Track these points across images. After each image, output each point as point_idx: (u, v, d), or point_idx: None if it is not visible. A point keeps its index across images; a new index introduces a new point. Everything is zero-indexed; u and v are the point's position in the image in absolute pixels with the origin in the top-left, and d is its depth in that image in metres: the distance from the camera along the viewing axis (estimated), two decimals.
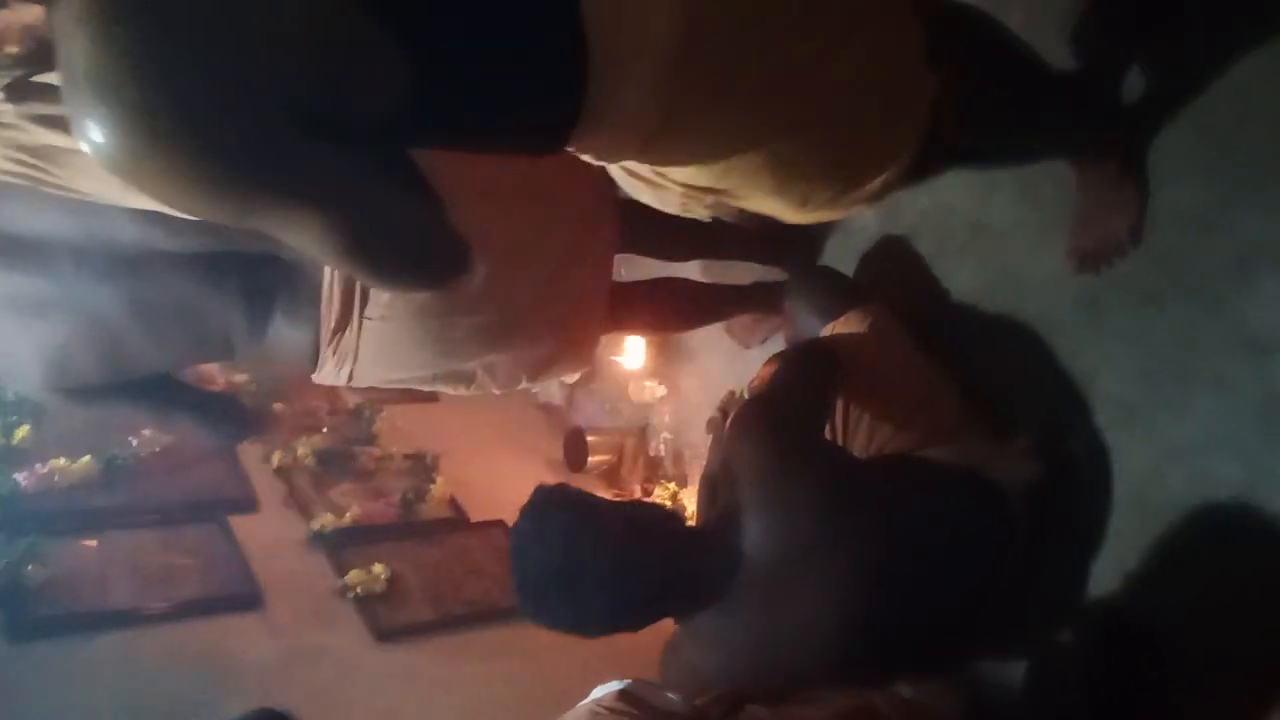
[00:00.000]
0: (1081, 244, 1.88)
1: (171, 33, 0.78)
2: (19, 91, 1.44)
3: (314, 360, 1.93)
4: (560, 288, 2.03)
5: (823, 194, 1.32)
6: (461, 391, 2.09)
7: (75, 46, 0.77)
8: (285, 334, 1.87)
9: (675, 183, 1.31)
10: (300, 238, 0.89)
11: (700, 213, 1.40)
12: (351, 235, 0.89)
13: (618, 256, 2.20)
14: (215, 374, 3.13)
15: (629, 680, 1.58)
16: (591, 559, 1.45)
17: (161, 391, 1.94)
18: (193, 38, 0.79)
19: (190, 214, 0.87)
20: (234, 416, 2.11)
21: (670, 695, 1.53)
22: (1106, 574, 1.85)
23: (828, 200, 1.33)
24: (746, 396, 2.00)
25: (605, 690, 1.57)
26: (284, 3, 0.84)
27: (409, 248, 0.98)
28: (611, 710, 1.49)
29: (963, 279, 2.15)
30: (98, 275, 1.71)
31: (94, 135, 0.78)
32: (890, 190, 1.34)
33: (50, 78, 1.41)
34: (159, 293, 1.74)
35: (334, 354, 1.91)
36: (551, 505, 1.52)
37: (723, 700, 1.59)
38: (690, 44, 1.05)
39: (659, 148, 1.19)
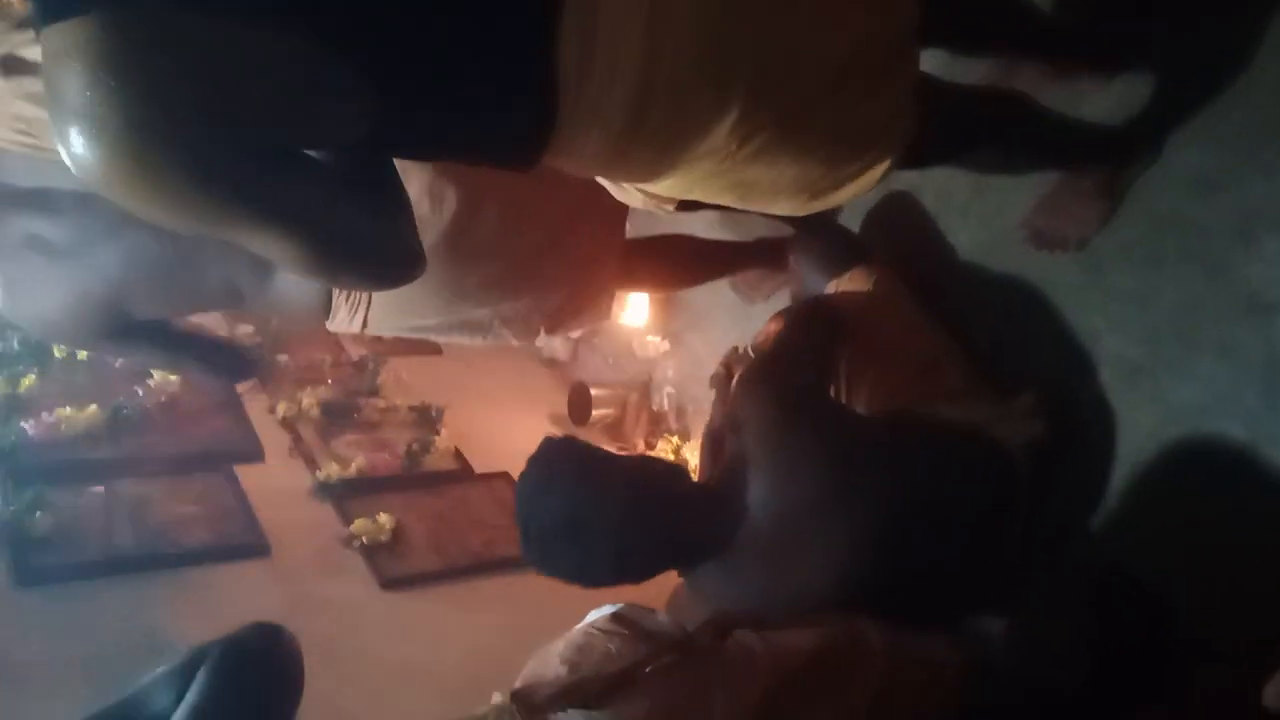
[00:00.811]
0: (1036, 224, 1.94)
1: (155, 74, 0.83)
2: (12, 67, 1.45)
3: (326, 308, 1.94)
4: (572, 235, 2.04)
5: (786, 205, 1.35)
6: (479, 342, 2.10)
7: (64, 80, 0.82)
8: (293, 284, 1.88)
9: (638, 190, 1.34)
10: (265, 251, 0.97)
11: (665, 209, 1.43)
12: (313, 252, 0.98)
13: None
14: (219, 324, 3.13)
15: (621, 604, 1.61)
16: (597, 511, 1.47)
17: (169, 337, 1.96)
18: (174, 80, 0.84)
19: (164, 225, 0.93)
20: (237, 360, 2.13)
21: (660, 618, 1.55)
22: (1109, 532, 1.86)
23: (797, 206, 1.35)
24: (751, 353, 2.00)
25: (599, 614, 1.60)
26: (258, 45, 0.88)
27: (365, 259, 1.08)
28: (604, 630, 1.51)
29: (965, 238, 2.15)
30: (102, 225, 1.73)
31: (78, 160, 0.85)
32: (883, 178, 1.36)
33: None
34: (162, 243, 1.75)
35: (346, 301, 1.92)
36: (558, 457, 1.53)
37: (712, 625, 1.61)
38: (652, 95, 1.09)
39: (620, 173, 1.27)
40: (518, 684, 1.49)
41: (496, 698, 1.46)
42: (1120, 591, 1.81)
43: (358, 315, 1.94)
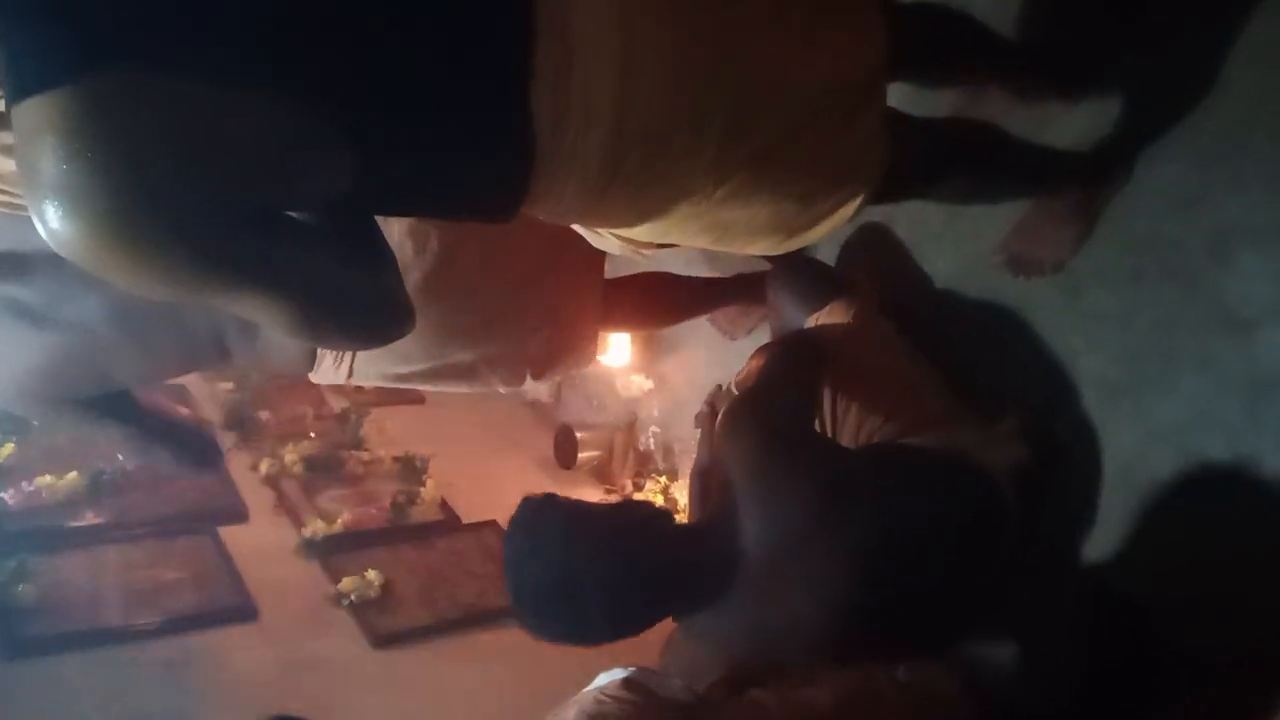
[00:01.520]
0: (1011, 249, 1.95)
1: (135, 149, 0.82)
2: None
3: (311, 359, 1.93)
4: (553, 274, 2.05)
5: (762, 245, 1.35)
6: (464, 389, 2.10)
7: (40, 155, 0.80)
8: (279, 336, 1.86)
9: (614, 236, 1.35)
10: (249, 315, 0.96)
11: (642, 255, 1.43)
12: (300, 315, 0.97)
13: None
14: (198, 382, 3.11)
15: (633, 668, 1.58)
16: (586, 571, 1.44)
17: (140, 421, 1.94)
18: (152, 154, 0.83)
19: (145, 295, 0.92)
20: (203, 449, 2.12)
21: (674, 682, 1.53)
22: (1097, 553, 1.86)
23: (774, 245, 1.36)
24: (734, 391, 2.00)
25: (609, 678, 1.58)
26: (234, 110, 0.87)
27: (353, 318, 1.06)
28: (615, 698, 1.49)
29: (941, 266, 2.16)
30: (81, 284, 1.70)
31: (57, 236, 0.83)
32: (857, 214, 1.37)
33: None
34: (146, 300, 1.73)
35: (331, 352, 1.91)
36: (541, 518, 1.51)
37: (724, 685, 1.59)
38: (627, 146, 1.10)
39: (597, 220, 1.27)
40: None
41: None
42: (1108, 612, 1.81)
43: (343, 365, 1.93)
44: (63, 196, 0.80)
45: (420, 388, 2.08)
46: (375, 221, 1.16)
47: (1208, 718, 1.44)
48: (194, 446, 2.08)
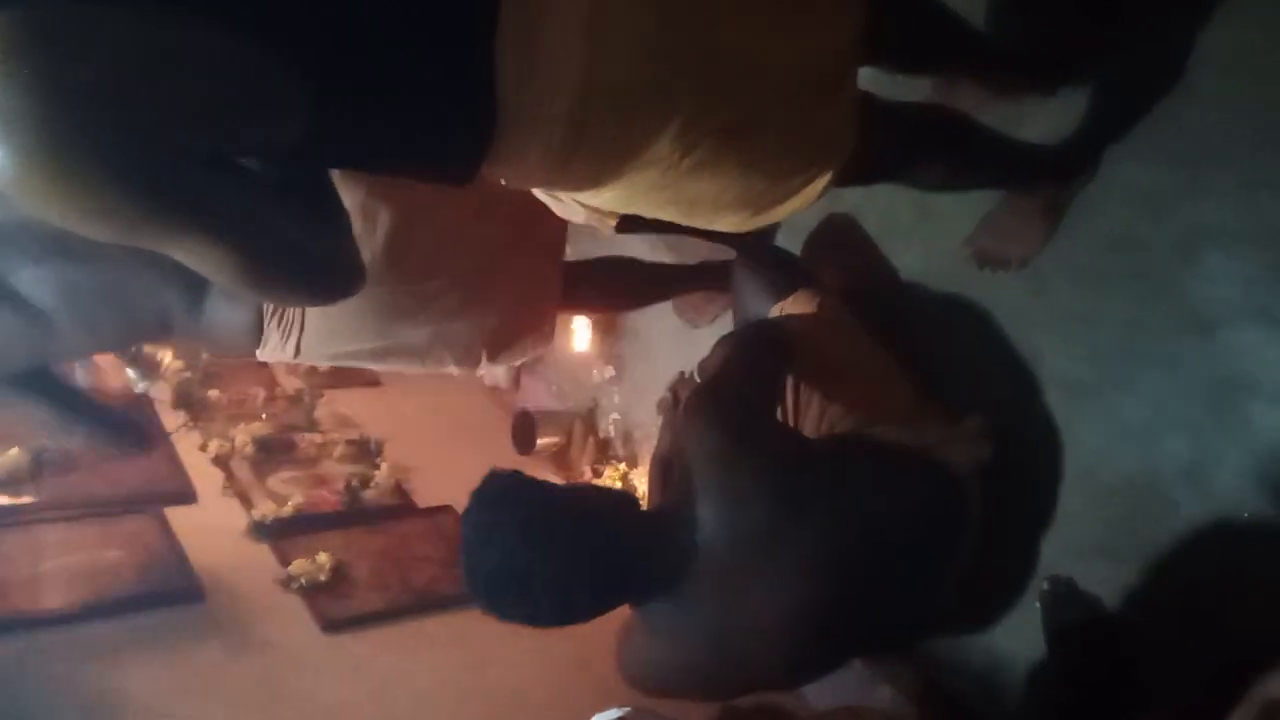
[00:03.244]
0: (979, 243, 1.95)
1: (72, 76, 0.79)
2: None
3: (256, 337, 1.88)
4: (511, 253, 2.02)
5: (729, 220, 1.34)
6: (417, 368, 2.06)
7: None
8: (225, 310, 1.82)
9: (579, 204, 1.32)
10: (192, 262, 0.93)
11: (606, 225, 1.41)
12: (243, 264, 0.94)
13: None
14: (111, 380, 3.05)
15: (627, 709, 1.57)
16: (543, 555, 1.42)
17: (68, 397, 1.89)
18: (93, 83, 0.80)
19: (84, 234, 0.87)
20: (126, 431, 2.07)
21: None
22: (1058, 553, 1.86)
23: (741, 222, 1.34)
24: (697, 378, 1.98)
25: (605, 718, 1.56)
26: (184, 44, 0.85)
27: (299, 274, 1.04)
28: None
29: (909, 260, 2.15)
30: (24, 258, 1.66)
31: None
32: (824, 193, 1.35)
33: None
34: (88, 274, 1.69)
35: (278, 327, 1.87)
36: (502, 498, 1.48)
37: None
38: (593, 111, 1.08)
39: (561, 186, 1.25)
40: None
41: None
42: (1072, 613, 1.81)
43: (290, 342, 1.89)
44: None
45: (371, 366, 2.04)
46: (329, 177, 1.13)
47: None
48: (118, 427, 2.04)
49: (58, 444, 2.69)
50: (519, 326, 2.10)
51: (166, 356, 3.22)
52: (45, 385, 1.84)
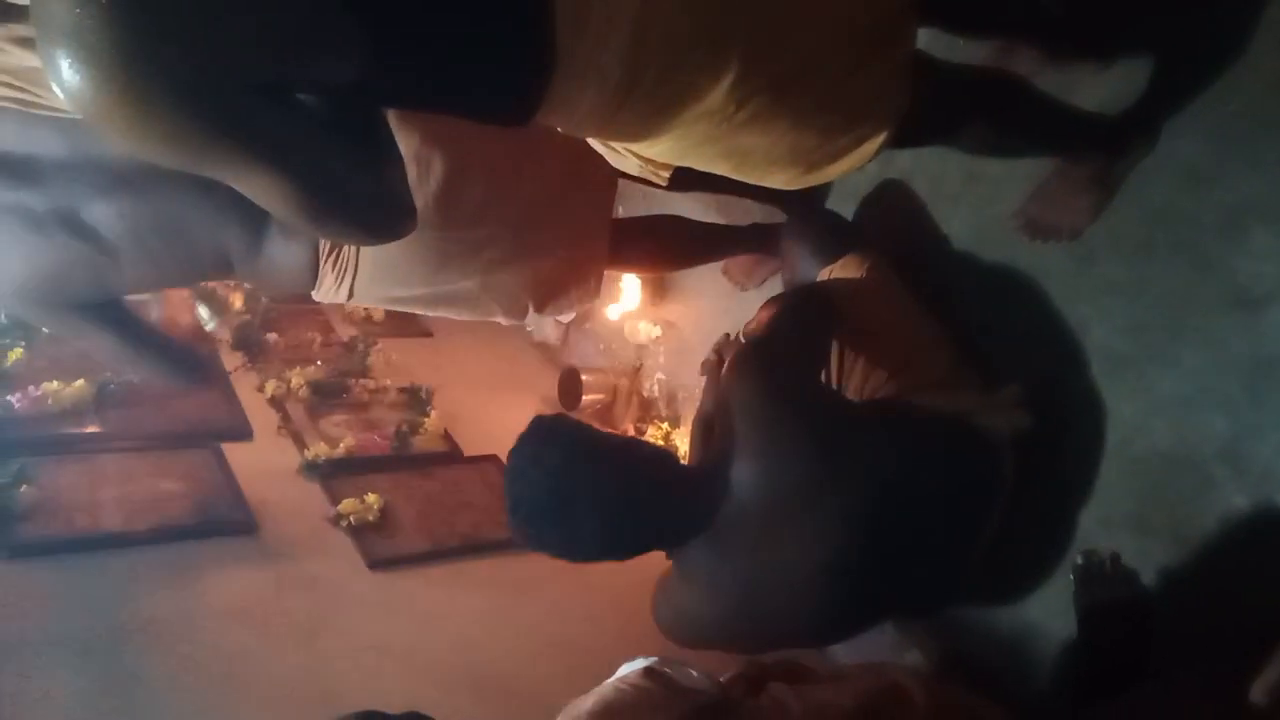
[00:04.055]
0: (1030, 213, 1.94)
1: (150, 5, 0.81)
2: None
3: (312, 277, 1.93)
4: (561, 207, 2.04)
5: (780, 177, 1.34)
6: (465, 315, 2.10)
7: (53, 2, 0.80)
8: (282, 249, 1.87)
9: (634, 155, 1.34)
10: (252, 191, 0.96)
11: (660, 177, 1.42)
12: (300, 195, 0.97)
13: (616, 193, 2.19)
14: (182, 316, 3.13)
15: (654, 658, 1.60)
16: (585, 487, 1.47)
17: (134, 329, 1.95)
18: (169, 11, 0.83)
19: (151, 159, 0.91)
20: (190, 363, 2.13)
21: (694, 674, 1.55)
22: (1091, 524, 1.87)
23: (792, 179, 1.35)
24: (742, 340, 2.00)
25: (630, 668, 1.59)
26: None
27: (353, 209, 1.06)
28: (635, 686, 1.51)
29: (956, 226, 2.15)
30: (90, 192, 1.70)
31: (67, 84, 0.82)
32: (878, 152, 1.36)
33: None
34: (152, 209, 1.73)
35: (333, 269, 1.91)
36: (550, 434, 1.53)
37: (745, 678, 1.61)
38: (647, 53, 1.09)
39: (615, 133, 1.26)
40: None
41: None
42: (1103, 583, 1.82)
43: (344, 284, 1.94)
44: (72, 42, 0.80)
45: (421, 312, 2.08)
46: (384, 116, 1.15)
47: (1202, 697, 1.45)
48: (182, 361, 2.09)
49: (123, 376, 2.77)
50: (566, 278, 2.13)
51: (237, 300, 3.30)
52: (113, 316, 1.90)
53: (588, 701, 1.50)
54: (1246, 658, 1.09)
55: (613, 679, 1.56)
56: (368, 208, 1.08)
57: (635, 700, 1.46)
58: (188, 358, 2.14)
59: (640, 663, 1.59)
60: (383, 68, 1.00)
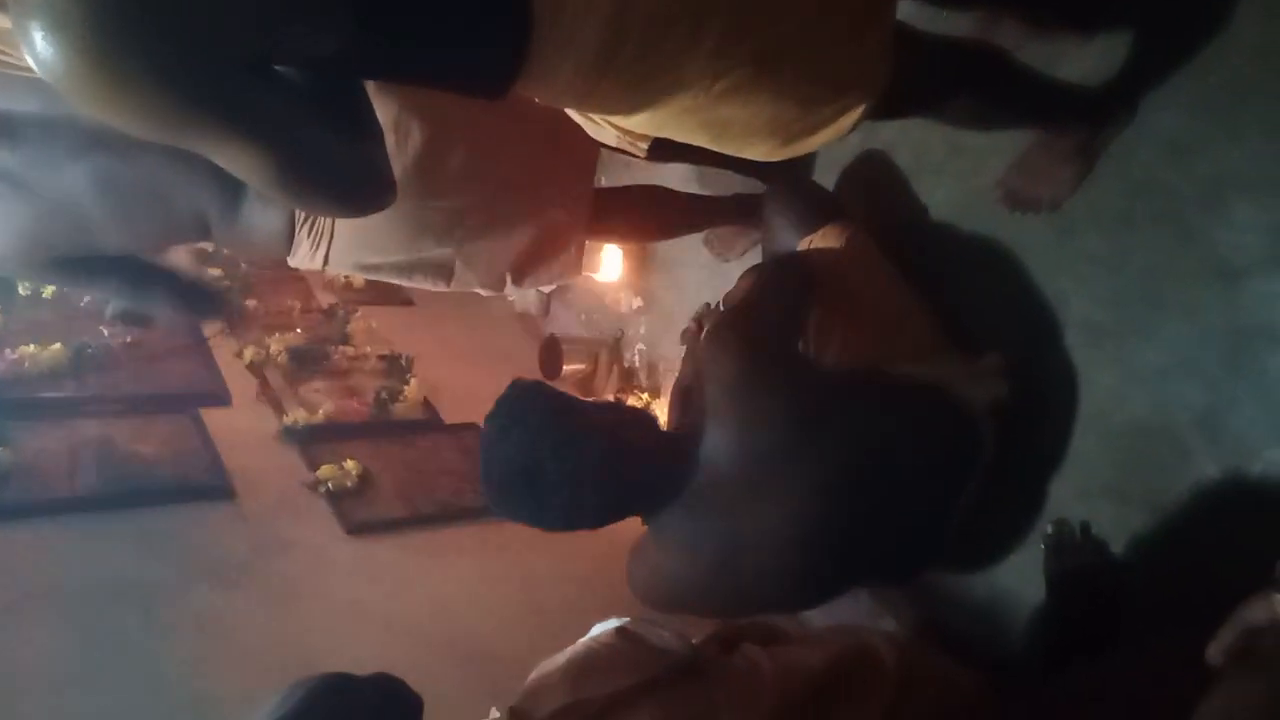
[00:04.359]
0: (1011, 184, 1.94)
1: None
2: None
3: (288, 243, 1.92)
4: (541, 177, 2.03)
5: (759, 148, 1.34)
6: (442, 286, 2.09)
7: None
8: (259, 215, 1.86)
9: (611, 125, 1.33)
10: (229, 164, 0.96)
11: (638, 148, 1.42)
12: (278, 169, 0.97)
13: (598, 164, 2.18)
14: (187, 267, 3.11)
15: (627, 618, 1.61)
16: (557, 455, 1.46)
17: (138, 269, 1.93)
18: None
19: (126, 130, 0.90)
20: (206, 298, 2.11)
21: (666, 634, 1.56)
22: (1067, 493, 1.88)
23: (772, 150, 1.35)
24: (722, 309, 2.00)
25: (603, 628, 1.60)
26: None
27: (331, 183, 1.07)
28: (607, 645, 1.52)
29: (939, 197, 2.15)
30: (66, 151, 1.70)
31: (40, 56, 0.82)
32: (857, 125, 1.35)
33: None
34: (128, 170, 1.72)
35: (308, 235, 1.90)
36: (525, 399, 1.53)
37: (718, 639, 1.62)
38: (624, 34, 1.09)
39: (593, 105, 1.25)
40: (517, 700, 1.49)
41: (495, 713, 1.45)
42: (1076, 552, 1.84)
43: (319, 250, 1.92)
44: (46, 14, 0.80)
45: (398, 281, 2.07)
46: (364, 89, 1.15)
47: (1168, 661, 1.48)
48: (195, 294, 2.08)
49: (104, 337, 2.76)
50: (545, 250, 2.12)
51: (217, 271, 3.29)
52: (113, 266, 1.88)
53: (560, 660, 1.51)
54: (1216, 624, 1.10)
55: (585, 638, 1.57)
56: (346, 181, 1.08)
57: (607, 659, 1.47)
58: (204, 292, 2.13)
59: (613, 623, 1.60)
60: (362, 41, 0.99)
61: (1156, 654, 1.45)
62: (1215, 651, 0.95)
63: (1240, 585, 1.54)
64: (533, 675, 1.52)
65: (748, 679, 1.50)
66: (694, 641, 1.60)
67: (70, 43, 0.81)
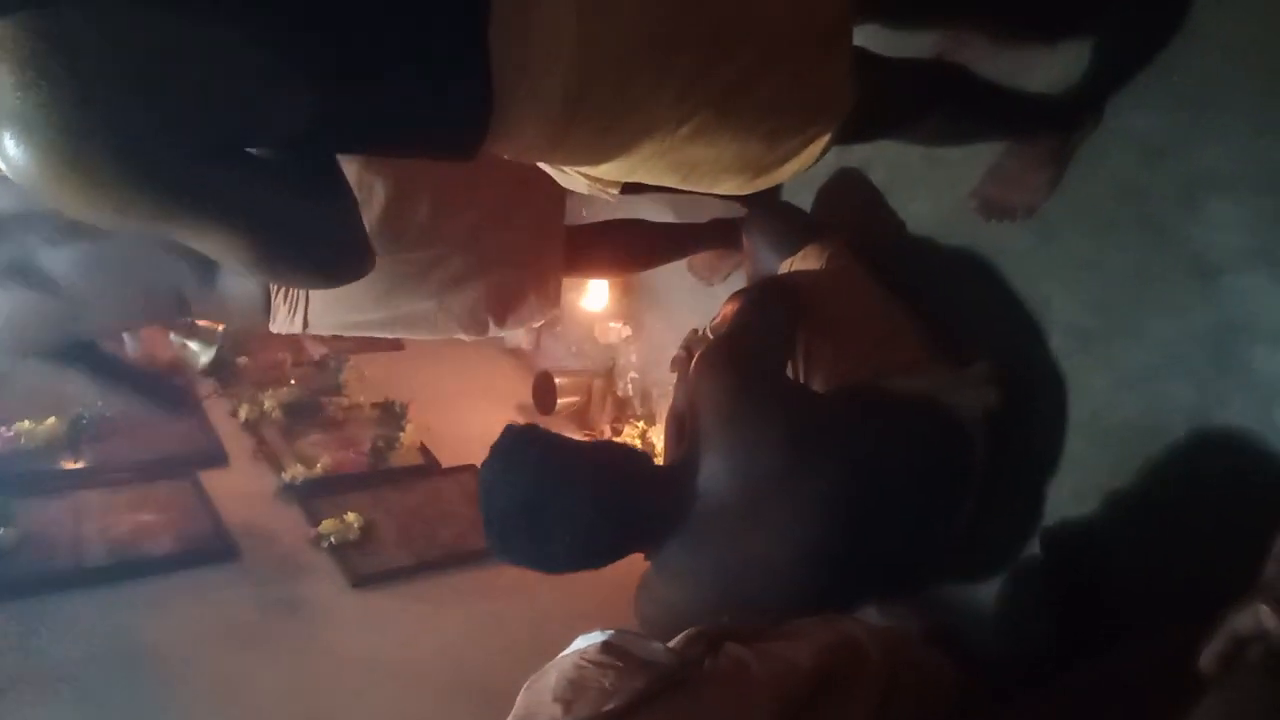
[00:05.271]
0: (985, 193, 1.96)
1: (89, 82, 0.82)
2: None
3: (266, 309, 1.93)
4: (511, 220, 2.04)
5: (730, 184, 1.36)
6: (425, 335, 2.10)
7: None
8: (234, 285, 1.88)
9: (581, 175, 1.35)
10: (205, 248, 0.97)
11: (609, 193, 1.44)
12: (253, 250, 0.98)
13: (578, 198, 2.19)
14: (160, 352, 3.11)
15: (611, 631, 1.61)
16: (556, 499, 1.47)
17: (106, 364, 1.96)
18: (107, 84, 0.83)
19: (103, 226, 0.92)
20: (168, 393, 2.13)
21: (653, 645, 1.56)
22: (1063, 497, 1.89)
23: (741, 185, 1.36)
24: (709, 335, 2.01)
25: (588, 641, 1.59)
26: (189, 43, 0.88)
27: (311, 258, 1.08)
28: (595, 663, 1.51)
29: (917, 210, 2.17)
30: (43, 242, 1.72)
31: (13, 163, 0.83)
32: (824, 153, 1.37)
33: None
34: (104, 254, 1.75)
35: (284, 301, 1.92)
36: (519, 445, 1.54)
37: (701, 639, 1.62)
38: (587, 88, 1.11)
39: (562, 157, 1.27)
40: None
41: None
42: (1073, 555, 1.85)
43: (297, 315, 1.94)
44: (16, 125, 0.81)
45: (380, 334, 2.08)
46: (336, 162, 1.17)
47: (1160, 665, 1.48)
48: (157, 390, 2.09)
49: (101, 410, 2.76)
50: (522, 289, 2.12)
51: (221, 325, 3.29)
52: (84, 357, 1.91)
53: (550, 679, 1.51)
54: (1211, 622, 1.11)
55: (571, 653, 1.57)
56: (323, 256, 1.10)
57: (598, 678, 1.47)
58: (164, 389, 2.15)
59: (597, 636, 1.60)
60: (327, 118, 1.00)
61: (1151, 652, 1.45)
62: (1206, 659, 0.96)
63: (1235, 582, 1.56)
64: (522, 696, 1.52)
65: (737, 683, 1.50)
66: (679, 644, 1.60)
67: (40, 147, 0.82)
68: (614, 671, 1.48)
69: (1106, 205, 1.80)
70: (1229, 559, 1.61)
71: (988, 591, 2.02)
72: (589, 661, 1.51)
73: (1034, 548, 1.92)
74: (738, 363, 1.71)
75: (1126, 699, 1.28)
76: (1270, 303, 1.59)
